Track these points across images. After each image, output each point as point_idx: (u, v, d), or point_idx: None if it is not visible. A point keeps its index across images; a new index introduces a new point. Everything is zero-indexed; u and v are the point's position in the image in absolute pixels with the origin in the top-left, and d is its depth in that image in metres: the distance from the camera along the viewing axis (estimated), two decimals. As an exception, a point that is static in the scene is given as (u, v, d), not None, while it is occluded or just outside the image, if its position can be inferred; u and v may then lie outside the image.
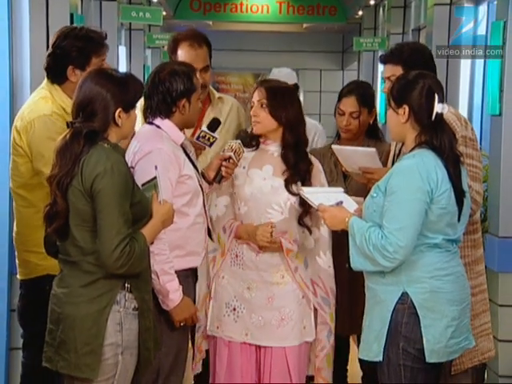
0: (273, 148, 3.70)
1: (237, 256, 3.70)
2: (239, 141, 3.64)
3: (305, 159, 3.69)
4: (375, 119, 4.29)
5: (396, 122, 3.20)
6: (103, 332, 2.96)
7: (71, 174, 2.95)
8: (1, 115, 4.29)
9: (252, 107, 3.68)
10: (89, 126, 2.97)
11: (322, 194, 3.38)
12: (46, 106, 3.51)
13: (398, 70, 3.60)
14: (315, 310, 3.73)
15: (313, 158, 3.77)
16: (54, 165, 3.00)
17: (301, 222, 3.67)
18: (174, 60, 3.98)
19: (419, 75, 3.19)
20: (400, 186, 3.07)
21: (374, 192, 3.17)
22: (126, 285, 3.02)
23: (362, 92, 4.29)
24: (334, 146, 3.86)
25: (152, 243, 3.17)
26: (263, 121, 3.64)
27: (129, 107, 3.07)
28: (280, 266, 3.67)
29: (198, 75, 3.74)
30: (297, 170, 3.65)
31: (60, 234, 3.02)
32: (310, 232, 3.69)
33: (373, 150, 3.68)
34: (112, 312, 2.99)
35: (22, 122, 3.52)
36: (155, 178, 3.15)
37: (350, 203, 3.34)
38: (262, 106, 3.64)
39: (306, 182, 3.65)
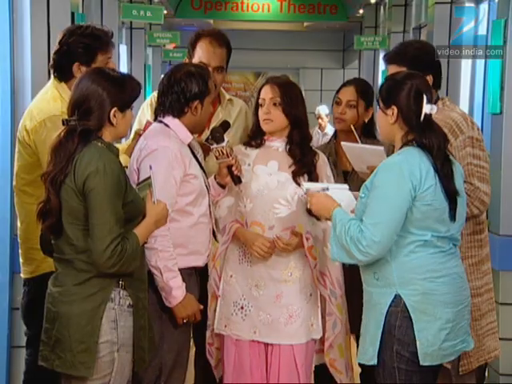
0: (277, 144, 3.71)
1: (245, 253, 3.71)
2: (222, 144, 3.55)
3: (309, 153, 3.70)
4: (372, 119, 4.28)
5: (385, 123, 3.21)
6: (98, 330, 2.96)
7: (64, 172, 2.95)
8: (2, 115, 4.30)
9: (262, 105, 3.67)
10: (83, 125, 2.98)
11: (323, 189, 3.38)
12: (55, 105, 3.53)
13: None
14: (323, 305, 3.73)
15: (318, 151, 3.77)
16: (48, 162, 3.01)
17: (309, 211, 3.66)
18: (192, 54, 4.00)
19: (407, 76, 3.20)
20: (381, 182, 3.08)
21: (363, 192, 3.17)
22: (120, 282, 3.02)
23: (362, 85, 4.29)
24: (343, 143, 3.82)
25: (145, 242, 3.17)
26: (276, 119, 3.64)
27: (124, 107, 3.06)
28: (288, 263, 3.67)
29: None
30: (303, 162, 3.65)
31: (53, 231, 3.02)
32: (319, 219, 3.67)
33: (381, 148, 3.66)
34: (107, 309, 2.99)
35: (32, 122, 3.53)
36: (149, 177, 3.15)
37: (351, 200, 3.34)
38: (275, 104, 3.64)
39: (313, 173, 3.66)
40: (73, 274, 3.00)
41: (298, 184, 3.61)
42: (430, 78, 3.63)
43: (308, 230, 3.66)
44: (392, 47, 10.20)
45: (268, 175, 3.66)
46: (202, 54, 3.95)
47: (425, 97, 3.12)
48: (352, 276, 3.64)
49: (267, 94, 3.66)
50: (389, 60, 3.76)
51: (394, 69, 3.64)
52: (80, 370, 2.95)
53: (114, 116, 3.02)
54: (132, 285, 3.05)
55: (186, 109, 3.43)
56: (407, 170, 3.05)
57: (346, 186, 3.49)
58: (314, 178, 3.65)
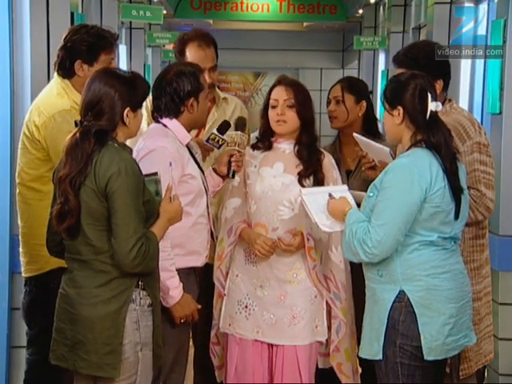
0: (285, 146, 3.70)
1: (250, 254, 3.70)
2: (239, 132, 3.63)
3: (316, 153, 3.69)
4: (373, 116, 4.29)
5: (391, 124, 3.24)
6: (122, 331, 2.98)
7: (84, 173, 2.95)
8: (2, 114, 4.29)
9: (274, 106, 3.65)
10: (98, 125, 2.99)
11: (321, 195, 3.37)
12: (63, 101, 3.55)
13: None
14: (329, 308, 3.72)
15: (325, 152, 3.77)
16: (63, 164, 3.00)
17: None
18: (181, 60, 3.99)
19: (411, 76, 3.23)
20: (390, 184, 3.10)
21: (371, 192, 3.20)
22: (140, 283, 3.04)
23: (348, 81, 4.35)
24: (355, 134, 3.79)
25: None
26: (290, 121, 3.63)
27: (136, 107, 3.09)
28: (293, 265, 3.67)
29: (206, 75, 3.76)
30: (309, 163, 3.65)
31: (71, 232, 3.02)
32: None
33: (387, 149, 3.66)
34: (129, 311, 3.01)
35: (41, 118, 3.55)
36: (156, 173, 3.16)
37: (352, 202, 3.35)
38: (289, 105, 3.63)
39: (318, 172, 3.65)
40: (91, 276, 3.01)
41: (303, 185, 3.61)
42: (440, 83, 3.63)
43: (309, 231, 3.65)
44: (391, 47, 10.16)
45: (273, 177, 3.66)
46: (193, 59, 3.94)
47: (429, 95, 3.15)
48: (355, 278, 3.65)
49: (281, 95, 3.64)
50: (399, 63, 3.74)
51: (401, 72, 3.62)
52: (107, 371, 2.98)
53: (127, 116, 3.04)
54: (150, 284, 3.07)
55: (181, 108, 3.44)
56: (417, 173, 3.08)
57: (346, 187, 3.48)
58: (320, 178, 3.65)
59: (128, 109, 3.04)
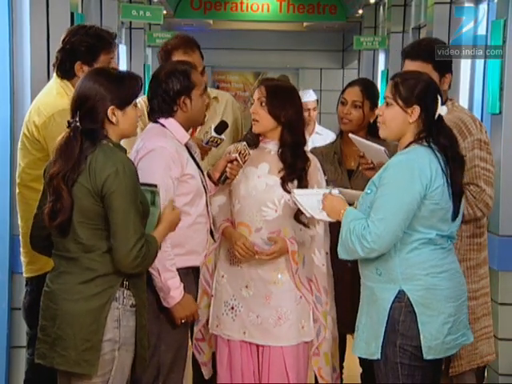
0: (270, 146, 3.70)
1: (235, 254, 3.69)
2: (245, 142, 3.64)
3: (302, 158, 3.68)
4: (376, 118, 4.27)
5: (400, 121, 3.20)
6: (102, 328, 2.98)
7: (77, 171, 2.95)
8: (2, 114, 4.29)
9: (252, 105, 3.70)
10: (84, 124, 2.98)
11: (314, 196, 3.37)
12: (62, 100, 3.55)
13: (426, 68, 3.56)
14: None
15: (311, 156, 3.76)
16: (54, 162, 3.00)
17: (297, 219, 3.66)
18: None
19: (429, 77, 3.23)
20: (390, 179, 3.10)
21: (369, 189, 3.19)
22: (125, 282, 3.03)
23: (367, 85, 4.28)
24: (350, 135, 3.78)
25: None
26: (262, 119, 3.64)
27: (124, 104, 3.05)
28: (278, 265, 3.66)
29: None
30: (293, 168, 3.64)
31: (62, 229, 3.01)
32: (307, 226, 3.68)
33: (382, 148, 3.66)
34: (111, 309, 3.00)
35: (41, 118, 3.55)
36: (156, 185, 3.16)
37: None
38: (261, 104, 3.64)
39: (303, 180, 3.65)
40: (77, 273, 3.00)
41: (286, 189, 3.61)
42: (449, 76, 3.66)
43: (293, 235, 3.66)
44: (391, 47, 10.14)
45: (257, 177, 3.67)
46: None
47: (439, 98, 3.16)
48: (343, 276, 3.65)
49: (255, 95, 3.69)
50: (412, 57, 3.71)
51: (416, 65, 3.62)
52: (85, 367, 2.97)
53: (114, 114, 3.02)
54: (136, 285, 3.07)
55: (174, 107, 3.44)
56: (418, 168, 3.08)
57: (336, 190, 3.44)
58: (303, 184, 3.63)
59: (113, 106, 3.02)
